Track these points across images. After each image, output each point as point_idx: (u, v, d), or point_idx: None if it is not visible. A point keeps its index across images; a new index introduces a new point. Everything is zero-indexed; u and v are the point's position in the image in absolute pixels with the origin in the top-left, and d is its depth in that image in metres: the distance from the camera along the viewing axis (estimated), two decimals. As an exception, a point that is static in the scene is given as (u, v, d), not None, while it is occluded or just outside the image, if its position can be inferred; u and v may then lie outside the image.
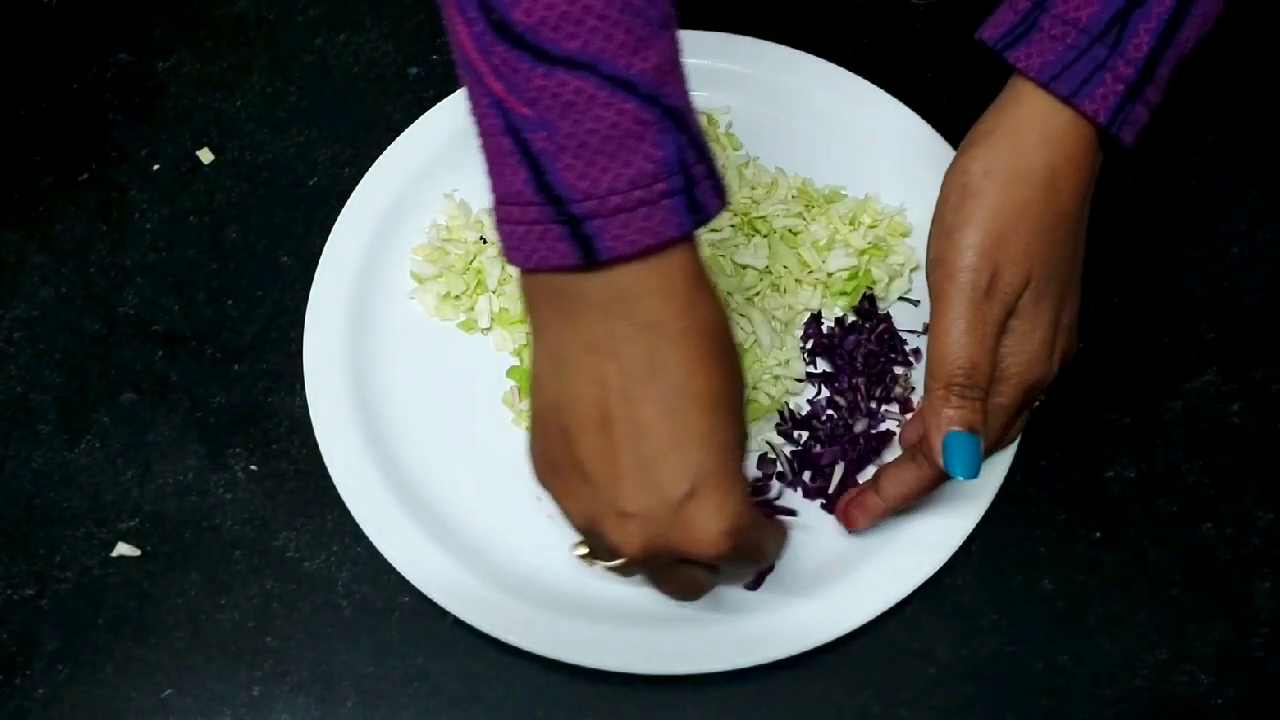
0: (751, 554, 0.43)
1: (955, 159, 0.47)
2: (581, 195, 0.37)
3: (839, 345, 0.57)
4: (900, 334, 0.57)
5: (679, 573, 0.42)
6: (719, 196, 0.39)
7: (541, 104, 0.36)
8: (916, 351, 0.57)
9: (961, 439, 0.45)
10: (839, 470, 0.54)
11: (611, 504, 0.39)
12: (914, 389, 0.56)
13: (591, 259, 0.37)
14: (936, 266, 0.47)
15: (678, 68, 0.38)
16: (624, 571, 0.43)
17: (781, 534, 0.46)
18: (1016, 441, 0.53)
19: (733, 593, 0.52)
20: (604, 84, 0.36)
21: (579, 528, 0.42)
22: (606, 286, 0.38)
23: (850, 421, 0.55)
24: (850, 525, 0.52)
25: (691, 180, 0.38)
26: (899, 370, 0.56)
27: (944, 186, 0.47)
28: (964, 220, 0.46)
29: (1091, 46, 0.44)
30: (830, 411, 0.56)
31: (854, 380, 0.56)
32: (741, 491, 0.40)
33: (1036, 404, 0.50)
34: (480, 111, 0.38)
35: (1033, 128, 0.45)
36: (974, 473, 0.45)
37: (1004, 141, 0.46)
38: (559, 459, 0.41)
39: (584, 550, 0.44)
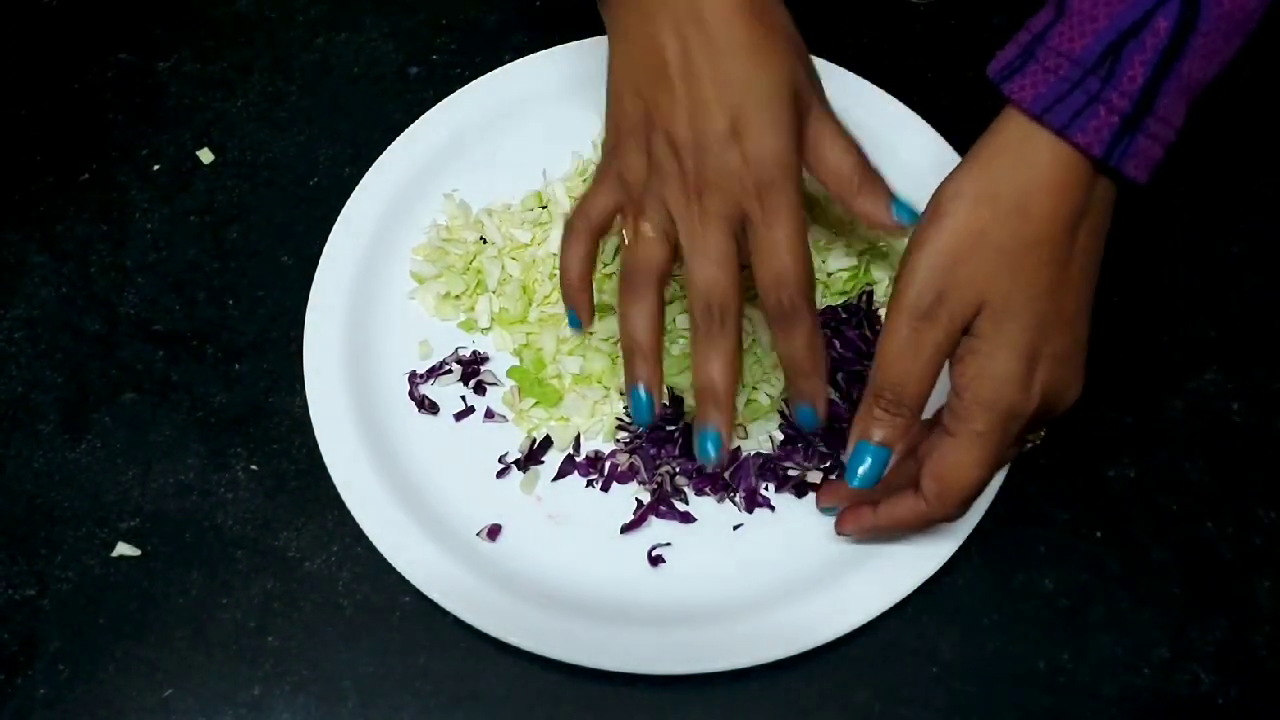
0: (793, 197, 0.46)
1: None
2: None
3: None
4: (873, 340, 0.57)
5: (719, 243, 0.47)
6: None
7: None
8: None
9: (866, 449, 0.46)
10: (818, 475, 0.54)
11: (670, 137, 0.47)
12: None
13: None
14: (894, 283, 0.47)
15: None
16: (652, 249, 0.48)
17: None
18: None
19: (733, 592, 0.52)
20: None
21: (637, 186, 0.48)
22: None
23: (834, 423, 0.55)
24: (839, 526, 0.52)
25: None
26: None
27: (926, 206, 0.47)
28: (922, 241, 0.46)
29: (1085, 79, 0.43)
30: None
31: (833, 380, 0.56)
32: (785, 133, 0.46)
33: (1029, 445, 0.50)
34: None
35: (1008, 153, 0.45)
36: (869, 484, 0.46)
37: (978, 166, 0.45)
38: (633, 118, 0.48)
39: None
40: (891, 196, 0.50)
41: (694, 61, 0.46)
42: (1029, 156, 0.44)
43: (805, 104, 0.48)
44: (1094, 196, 0.45)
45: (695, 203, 0.47)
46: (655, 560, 0.53)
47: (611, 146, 0.50)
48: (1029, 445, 0.50)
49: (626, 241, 0.49)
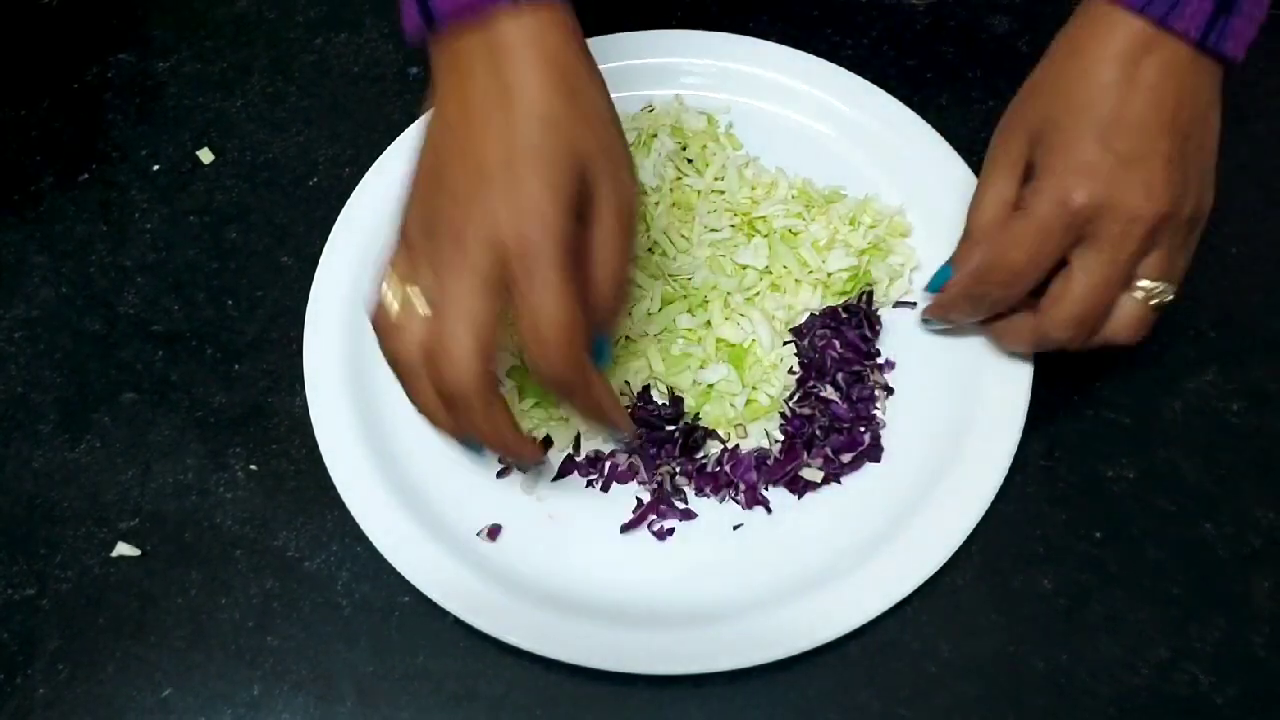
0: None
1: None
2: None
3: (814, 345, 0.57)
4: (873, 340, 0.57)
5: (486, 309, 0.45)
6: None
7: None
8: (889, 363, 0.57)
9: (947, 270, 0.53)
10: (817, 475, 0.54)
11: (450, 188, 0.45)
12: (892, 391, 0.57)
13: (430, 20, 0.46)
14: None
15: None
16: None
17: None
18: (1016, 441, 0.53)
19: (733, 592, 0.52)
20: None
21: (416, 242, 0.47)
22: (465, 34, 0.46)
23: (834, 424, 0.55)
24: (933, 311, 0.55)
25: None
26: (872, 377, 0.56)
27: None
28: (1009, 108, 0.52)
29: None
30: (815, 410, 0.56)
31: (826, 381, 0.56)
32: (556, 197, 0.44)
33: (1166, 300, 0.51)
34: None
35: (1094, 32, 0.48)
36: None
37: (1063, 45, 0.50)
38: (426, 170, 0.47)
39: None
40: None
41: (489, 118, 0.45)
42: (1115, 26, 0.48)
43: (594, 184, 0.46)
44: (1199, 76, 0.48)
45: (457, 253, 0.45)
46: (662, 535, 0.53)
47: (405, 200, 0.48)
48: (1167, 299, 0.51)
49: (395, 307, 0.47)
